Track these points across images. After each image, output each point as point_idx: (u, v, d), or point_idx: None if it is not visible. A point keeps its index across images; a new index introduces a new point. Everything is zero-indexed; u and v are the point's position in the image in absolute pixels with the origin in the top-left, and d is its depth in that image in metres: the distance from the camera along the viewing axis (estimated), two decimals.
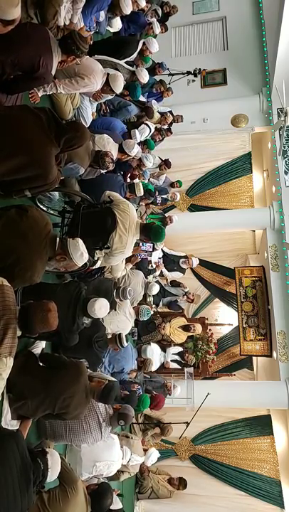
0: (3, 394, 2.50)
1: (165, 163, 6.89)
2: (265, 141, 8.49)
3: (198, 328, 6.76)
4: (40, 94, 3.20)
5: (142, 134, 5.28)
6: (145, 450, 5.32)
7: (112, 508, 3.08)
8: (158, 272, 6.74)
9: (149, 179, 6.20)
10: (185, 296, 7.06)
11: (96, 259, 3.45)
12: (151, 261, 6.28)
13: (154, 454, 5.44)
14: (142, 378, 5.64)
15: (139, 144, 4.95)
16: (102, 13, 4.39)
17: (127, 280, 5.07)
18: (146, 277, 5.67)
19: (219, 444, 7.19)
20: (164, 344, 6.83)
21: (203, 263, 8.63)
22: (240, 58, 8.42)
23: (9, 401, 2.56)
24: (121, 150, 4.31)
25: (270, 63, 7.80)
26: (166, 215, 7.26)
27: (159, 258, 6.76)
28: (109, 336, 3.94)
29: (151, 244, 5.49)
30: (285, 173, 7.44)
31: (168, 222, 6.79)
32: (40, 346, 3.09)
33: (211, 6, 9.11)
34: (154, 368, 6.06)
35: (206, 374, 7.24)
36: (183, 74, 7.34)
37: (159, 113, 6.15)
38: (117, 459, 3.77)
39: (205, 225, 8.04)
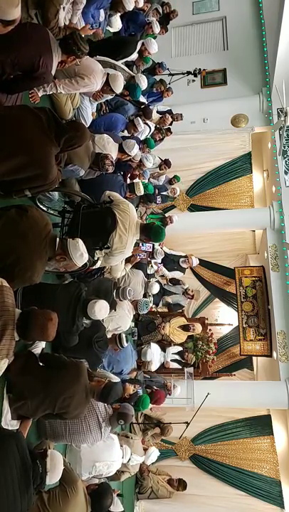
0: (2, 394, 2.51)
1: (165, 163, 6.90)
2: (265, 141, 8.49)
3: (198, 328, 6.76)
4: (40, 94, 3.19)
5: (142, 132, 5.28)
6: (145, 450, 5.32)
7: (112, 510, 3.08)
8: (158, 275, 6.77)
9: (149, 179, 6.20)
10: (185, 293, 7.07)
11: (96, 259, 3.45)
12: (150, 261, 6.28)
13: (154, 453, 5.43)
14: (142, 378, 5.64)
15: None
16: (102, 13, 4.38)
17: (126, 280, 5.07)
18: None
19: (219, 444, 7.19)
20: (164, 344, 6.82)
21: (203, 263, 8.63)
22: (240, 58, 8.42)
23: (9, 401, 2.56)
24: (121, 150, 4.31)
25: (270, 63, 7.81)
26: (166, 215, 7.27)
27: (160, 263, 6.76)
28: (109, 336, 3.94)
29: (151, 245, 5.50)
30: (285, 173, 7.43)
31: (168, 222, 6.80)
32: (40, 346, 3.08)
33: (211, 6, 9.12)
34: (154, 367, 6.07)
35: (206, 374, 7.23)
36: (183, 74, 7.34)
37: (159, 113, 6.15)
38: (117, 460, 3.76)
39: (205, 225, 8.04)
